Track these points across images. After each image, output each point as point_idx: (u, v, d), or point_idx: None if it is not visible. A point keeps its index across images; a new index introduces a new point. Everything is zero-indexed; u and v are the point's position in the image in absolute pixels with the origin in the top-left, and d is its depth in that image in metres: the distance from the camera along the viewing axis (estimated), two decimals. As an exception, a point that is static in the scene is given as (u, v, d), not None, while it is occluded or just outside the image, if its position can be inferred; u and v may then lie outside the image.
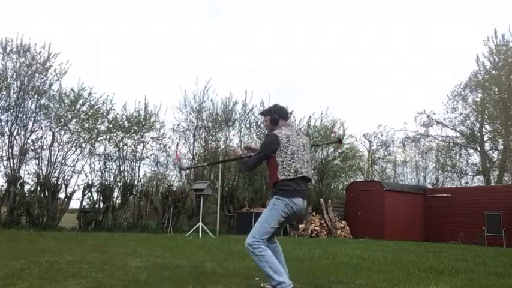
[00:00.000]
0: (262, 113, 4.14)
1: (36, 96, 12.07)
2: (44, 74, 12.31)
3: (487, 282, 4.54)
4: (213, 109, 15.27)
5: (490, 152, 22.98)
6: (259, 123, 15.51)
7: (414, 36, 38.00)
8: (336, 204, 15.47)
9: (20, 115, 11.93)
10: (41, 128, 12.17)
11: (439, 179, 23.90)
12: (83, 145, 12.52)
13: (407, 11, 39.01)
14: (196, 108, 15.18)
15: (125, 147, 13.32)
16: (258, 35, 38.58)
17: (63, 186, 12.17)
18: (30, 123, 12.03)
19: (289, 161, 3.57)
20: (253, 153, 3.92)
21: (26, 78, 12.01)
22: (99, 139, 12.83)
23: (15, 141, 11.78)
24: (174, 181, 14.78)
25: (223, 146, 15.12)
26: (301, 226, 14.01)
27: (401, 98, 37.12)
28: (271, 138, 3.66)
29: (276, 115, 3.80)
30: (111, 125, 13.03)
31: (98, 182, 12.72)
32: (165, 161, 14.57)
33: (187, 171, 14.56)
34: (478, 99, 21.70)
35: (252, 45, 39.83)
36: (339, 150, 14.74)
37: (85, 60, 35.14)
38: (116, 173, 13.09)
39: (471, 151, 23.43)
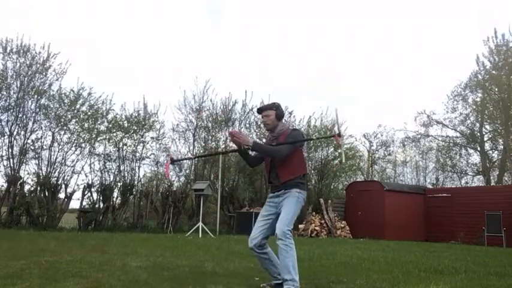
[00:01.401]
0: (265, 108, 3.87)
1: (36, 96, 12.08)
2: (44, 74, 12.33)
3: (487, 282, 4.54)
4: (213, 109, 15.29)
5: (490, 152, 23.01)
6: (259, 123, 15.49)
7: (414, 36, 38.05)
8: (336, 204, 15.47)
9: (20, 115, 11.95)
10: (41, 128, 12.20)
11: (439, 179, 23.91)
12: (83, 145, 12.54)
13: (407, 11, 39.04)
14: (195, 108, 15.19)
15: (125, 147, 13.33)
16: (258, 35, 38.61)
17: (63, 186, 12.20)
18: (30, 123, 12.07)
19: (307, 157, 3.72)
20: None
21: (26, 78, 12.02)
22: (99, 139, 12.84)
23: (15, 141, 11.82)
24: (174, 181, 14.83)
25: (223, 146, 15.12)
26: (301, 226, 14.01)
27: (401, 98, 37.16)
28: (300, 133, 3.87)
29: (281, 111, 3.83)
30: (110, 125, 13.04)
31: (98, 182, 12.73)
32: (165, 161, 14.58)
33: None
34: (478, 99, 21.71)
35: (252, 45, 39.86)
36: (339, 150, 14.42)
37: (85, 60, 35.16)
38: (116, 173, 13.10)
39: (471, 151, 23.46)
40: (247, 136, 3.79)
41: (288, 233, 3.43)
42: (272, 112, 3.77)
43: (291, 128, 3.85)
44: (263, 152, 3.81)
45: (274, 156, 3.67)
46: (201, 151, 15.08)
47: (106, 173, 12.98)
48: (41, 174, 11.86)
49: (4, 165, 11.69)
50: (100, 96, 12.85)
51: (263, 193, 15.11)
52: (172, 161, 4.25)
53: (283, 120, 3.91)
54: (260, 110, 3.89)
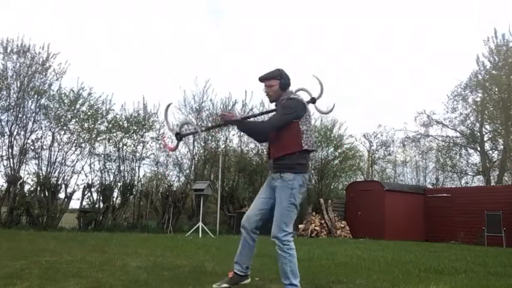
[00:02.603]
0: (268, 77, 3.40)
1: (36, 96, 12.08)
2: (44, 74, 12.33)
3: (487, 282, 4.53)
4: (213, 109, 15.29)
5: (490, 152, 23.02)
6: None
7: (414, 36, 38.03)
8: (336, 204, 15.47)
9: (20, 115, 11.93)
10: (41, 128, 12.19)
11: (439, 179, 23.93)
12: (83, 145, 12.54)
13: (407, 11, 39.03)
14: (195, 108, 15.20)
15: (125, 147, 13.33)
16: (258, 35, 38.61)
17: (63, 186, 12.19)
18: (30, 123, 12.05)
19: (311, 131, 3.26)
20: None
21: (26, 78, 12.02)
22: (98, 139, 12.84)
23: (15, 141, 11.79)
24: (174, 181, 14.83)
25: (223, 146, 15.13)
26: (301, 226, 14.01)
27: (401, 98, 37.16)
28: (299, 103, 3.27)
29: (287, 79, 3.38)
30: (110, 125, 13.04)
31: (98, 182, 12.73)
32: (165, 161, 14.61)
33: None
34: (478, 99, 21.72)
35: (252, 45, 39.87)
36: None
37: (84, 60, 35.16)
38: (116, 173, 13.10)
39: (471, 151, 23.48)
40: (235, 116, 3.36)
41: (284, 239, 3.13)
42: (276, 82, 3.34)
43: (287, 97, 3.32)
44: (249, 131, 3.43)
45: (255, 135, 3.35)
46: (201, 151, 15.09)
47: (106, 173, 12.99)
48: (41, 174, 11.85)
49: (4, 165, 11.70)
50: (100, 96, 12.87)
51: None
52: (179, 136, 3.63)
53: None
54: (262, 79, 3.42)
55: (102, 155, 12.91)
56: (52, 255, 5.27)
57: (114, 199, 12.93)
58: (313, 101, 3.67)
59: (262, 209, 3.34)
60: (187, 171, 15.05)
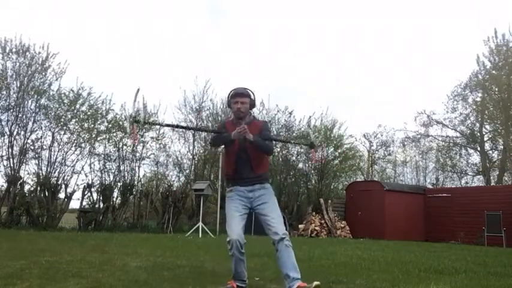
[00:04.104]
0: (246, 93, 3.54)
1: (35, 96, 12.08)
2: (43, 73, 12.32)
3: (487, 282, 4.53)
4: (213, 109, 15.30)
5: (490, 152, 22.99)
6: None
7: (414, 36, 38.04)
8: (336, 204, 15.47)
9: (20, 115, 11.93)
10: (41, 128, 12.20)
11: (439, 179, 23.90)
12: (83, 145, 12.54)
13: (407, 11, 39.05)
14: (195, 108, 15.20)
15: (125, 147, 13.33)
16: (258, 35, 38.62)
17: (63, 186, 12.20)
18: (30, 123, 12.06)
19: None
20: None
21: (26, 78, 12.02)
22: (98, 139, 12.84)
23: (15, 141, 11.81)
24: (174, 181, 14.83)
25: (222, 146, 15.10)
26: (301, 226, 14.01)
27: (401, 98, 37.15)
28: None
29: (255, 101, 3.62)
30: (110, 125, 13.03)
31: (98, 182, 12.73)
32: (165, 161, 14.61)
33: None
34: (478, 99, 21.71)
35: (252, 45, 39.88)
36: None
37: (84, 60, 35.16)
38: (116, 173, 13.09)
39: (471, 151, 23.43)
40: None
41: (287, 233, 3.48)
42: (248, 100, 3.52)
43: (262, 120, 3.87)
44: (261, 146, 3.49)
45: (269, 151, 3.71)
46: (201, 151, 15.10)
47: (106, 173, 13.00)
48: (41, 174, 11.86)
49: (4, 165, 11.71)
50: (100, 96, 12.87)
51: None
52: (136, 121, 3.63)
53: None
54: (236, 94, 3.51)
55: (102, 155, 12.93)
56: (52, 255, 5.26)
57: (114, 199, 12.95)
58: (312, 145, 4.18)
59: (243, 226, 3.45)
60: (187, 171, 15.05)
